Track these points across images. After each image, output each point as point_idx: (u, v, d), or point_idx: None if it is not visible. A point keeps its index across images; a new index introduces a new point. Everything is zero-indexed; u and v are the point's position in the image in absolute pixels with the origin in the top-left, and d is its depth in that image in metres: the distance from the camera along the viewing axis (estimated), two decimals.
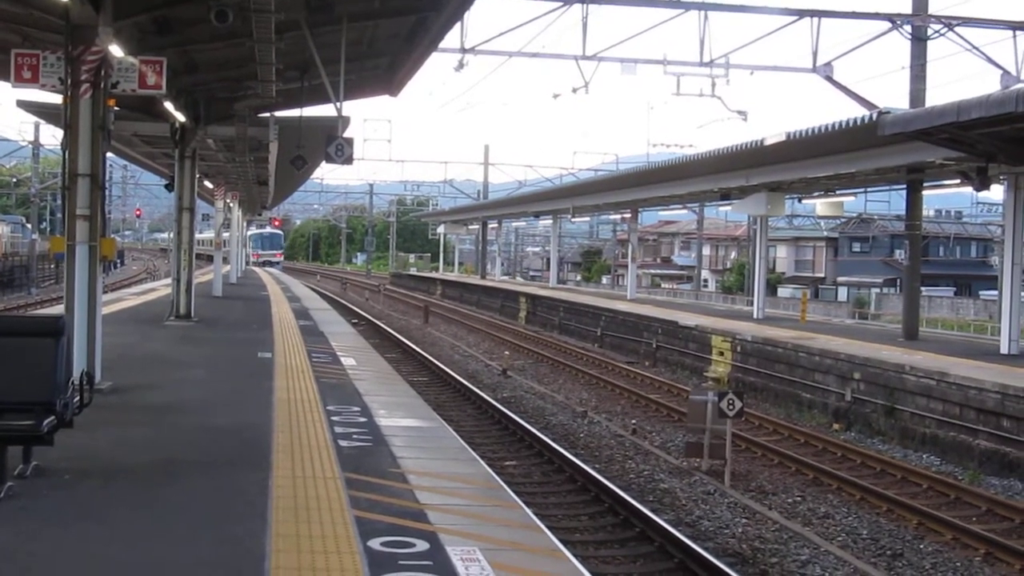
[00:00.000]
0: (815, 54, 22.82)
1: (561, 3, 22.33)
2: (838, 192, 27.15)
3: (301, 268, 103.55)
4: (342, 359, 15.88)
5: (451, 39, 20.24)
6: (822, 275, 67.37)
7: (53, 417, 6.74)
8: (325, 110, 19.73)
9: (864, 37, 23.53)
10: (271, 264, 76.67)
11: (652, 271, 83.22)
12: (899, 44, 22.79)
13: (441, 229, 75.91)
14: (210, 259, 44.87)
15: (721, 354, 23.28)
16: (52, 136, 54.36)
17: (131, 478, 7.39)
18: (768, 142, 21.76)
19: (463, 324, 39.94)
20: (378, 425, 9.98)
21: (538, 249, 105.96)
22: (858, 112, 19.67)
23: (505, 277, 70.35)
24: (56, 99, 12.03)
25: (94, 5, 10.41)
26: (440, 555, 5.82)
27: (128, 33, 11.57)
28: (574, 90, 25.16)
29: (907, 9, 23.09)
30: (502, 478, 9.34)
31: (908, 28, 22.58)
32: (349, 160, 17.04)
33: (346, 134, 17.45)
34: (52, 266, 51.36)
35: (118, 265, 67.78)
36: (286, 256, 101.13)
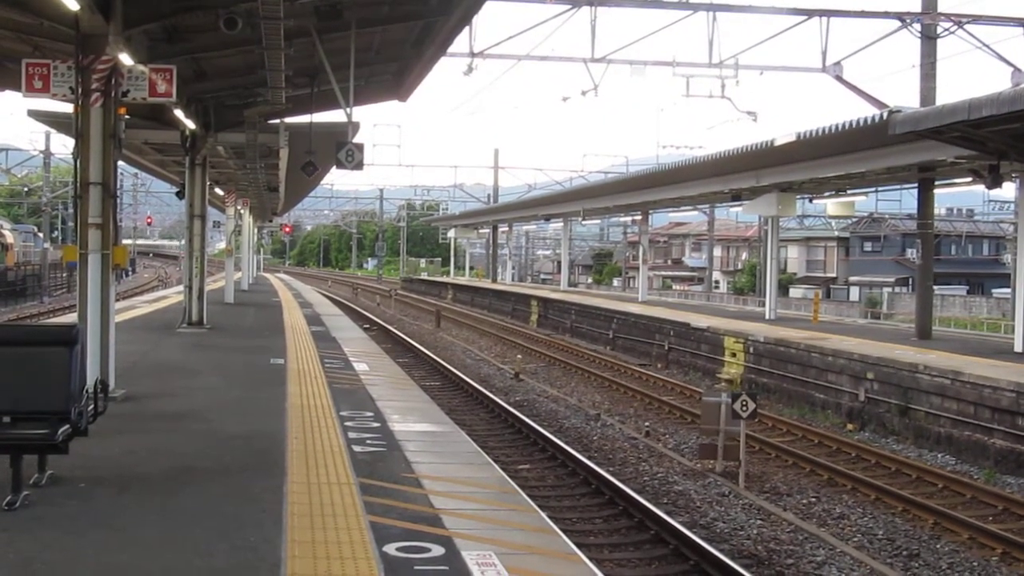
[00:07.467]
0: (824, 54, 22.79)
1: (569, 5, 22.32)
2: (849, 192, 27.07)
3: (312, 274, 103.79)
4: (355, 364, 15.90)
5: (460, 43, 20.28)
6: (834, 275, 67.18)
7: (68, 426, 6.76)
8: (335, 116, 19.78)
9: (873, 36, 23.56)
10: None
11: (663, 273, 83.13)
12: (909, 42, 22.74)
13: (451, 233, 75.94)
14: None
15: (734, 355, 23.22)
16: (63, 145, 54.68)
17: (146, 486, 7.40)
18: (778, 142, 21.71)
19: (475, 328, 39.94)
20: (391, 430, 9.98)
21: (549, 252, 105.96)
22: (868, 111, 19.63)
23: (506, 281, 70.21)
24: (67, 108, 12.08)
25: (104, 14, 10.45)
26: (456, 560, 5.81)
27: (138, 41, 11.60)
28: (583, 93, 25.18)
29: (916, 7, 23.04)
30: (516, 482, 9.35)
31: (917, 26, 22.51)
32: (359, 165, 17.07)
33: (356, 139, 17.50)
34: (64, 275, 51.50)
35: (129, 273, 67.95)
36: (297, 263, 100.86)
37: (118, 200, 11.61)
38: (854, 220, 60.96)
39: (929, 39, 22.52)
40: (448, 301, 58.61)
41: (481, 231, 72.98)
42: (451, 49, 17.76)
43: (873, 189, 29.46)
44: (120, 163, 13.49)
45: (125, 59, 10.97)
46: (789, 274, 65.80)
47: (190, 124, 18.13)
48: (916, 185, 23.70)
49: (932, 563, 10.37)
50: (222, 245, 49.52)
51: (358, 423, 10.27)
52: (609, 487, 12.38)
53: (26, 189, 74.70)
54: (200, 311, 21.21)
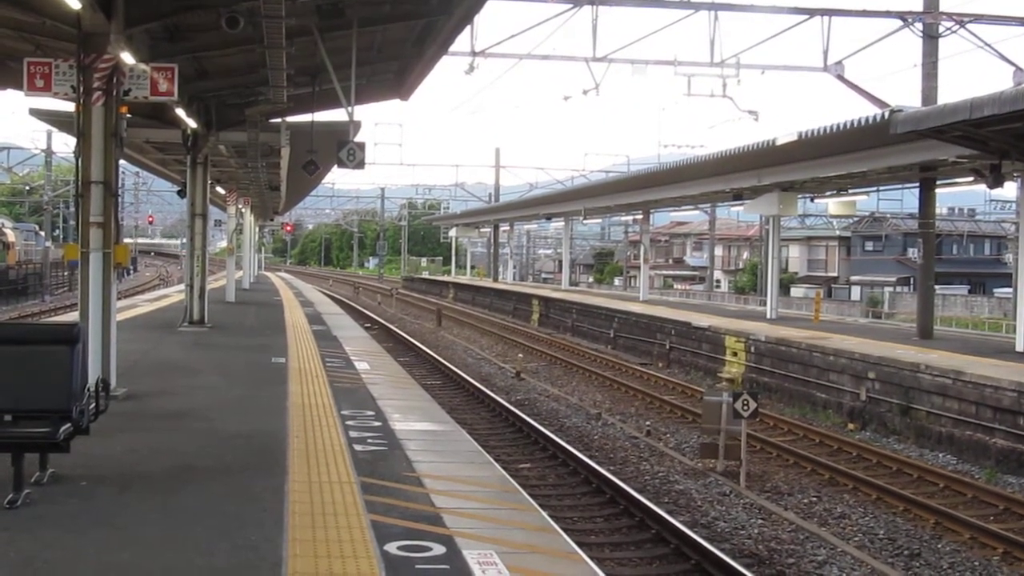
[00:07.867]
0: (826, 53, 22.76)
1: (571, 5, 22.30)
2: (850, 191, 27.07)
3: (313, 273, 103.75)
4: (356, 363, 15.90)
5: (461, 42, 20.25)
6: (835, 274, 67.18)
7: (69, 424, 6.76)
8: (336, 115, 19.79)
9: (875, 35, 23.49)
10: None
11: (664, 272, 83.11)
12: (910, 42, 22.73)
13: (453, 232, 75.97)
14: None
15: (735, 355, 23.22)
16: (64, 144, 54.72)
17: (147, 485, 7.40)
18: (780, 142, 21.70)
19: (476, 327, 39.94)
20: (393, 429, 9.98)
21: (550, 251, 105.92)
22: (870, 111, 19.62)
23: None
24: (69, 107, 12.10)
25: (106, 13, 10.45)
26: (457, 559, 5.81)
27: (139, 40, 11.61)
28: (585, 92, 25.15)
29: (918, 7, 23.02)
30: (517, 481, 9.33)
31: (919, 26, 22.49)
32: (361, 164, 17.09)
33: (357, 138, 17.50)
34: (65, 273, 51.56)
35: (131, 272, 67.96)
36: (298, 262, 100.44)
37: (119, 199, 11.63)
38: (855, 219, 60.94)
39: (931, 38, 22.51)
40: (449, 300, 58.62)
41: (482, 230, 72.95)
42: (452, 48, 17.75)
43: (874, 188, 29.47)
44: (121, 162, 13.50)
45: (127, 58, 10.97)
46: (790, 273, 65.77)
47: (191, 123, 18.13)
48: (917, 185, 23.68)
49: (933, 563, 10.36)
50: (223, 244, 49.51)
51: (359, 422, 10.27)
52: (610, 486, 12.38)
53: (28, 188, 74.72)
54: (201, 310, 21.22)
